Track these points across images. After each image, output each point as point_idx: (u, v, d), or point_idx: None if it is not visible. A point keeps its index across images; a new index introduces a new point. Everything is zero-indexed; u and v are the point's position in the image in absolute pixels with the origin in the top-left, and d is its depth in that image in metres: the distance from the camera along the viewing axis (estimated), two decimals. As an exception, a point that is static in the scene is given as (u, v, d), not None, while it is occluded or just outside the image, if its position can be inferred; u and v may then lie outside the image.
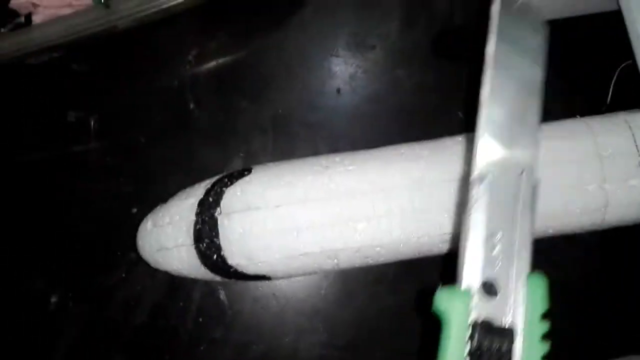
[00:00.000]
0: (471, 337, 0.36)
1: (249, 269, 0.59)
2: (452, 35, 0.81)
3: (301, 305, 0.72)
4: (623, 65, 0.74)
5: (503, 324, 0.37)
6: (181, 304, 0.72)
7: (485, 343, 0.35)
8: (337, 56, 0.79)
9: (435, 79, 0.79)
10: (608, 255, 0.74)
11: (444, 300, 0.38)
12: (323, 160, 0.62)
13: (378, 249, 0.59)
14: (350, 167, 0.61)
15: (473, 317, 0.37)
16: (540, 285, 0.40)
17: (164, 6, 0.72)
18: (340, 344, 0.71)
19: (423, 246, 0.60)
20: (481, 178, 0.44)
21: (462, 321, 0.37)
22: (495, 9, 0.50)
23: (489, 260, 0.40)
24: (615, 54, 0.72)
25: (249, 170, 0.61)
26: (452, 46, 0.81)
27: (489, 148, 0.45)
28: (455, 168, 0.60)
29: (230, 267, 0.59)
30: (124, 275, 0.72)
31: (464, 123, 0.76)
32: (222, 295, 0.72)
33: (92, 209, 0.72)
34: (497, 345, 0.35)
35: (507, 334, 0.36)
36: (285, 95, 0.78)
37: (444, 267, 0.68)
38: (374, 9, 0.81)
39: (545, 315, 0.39)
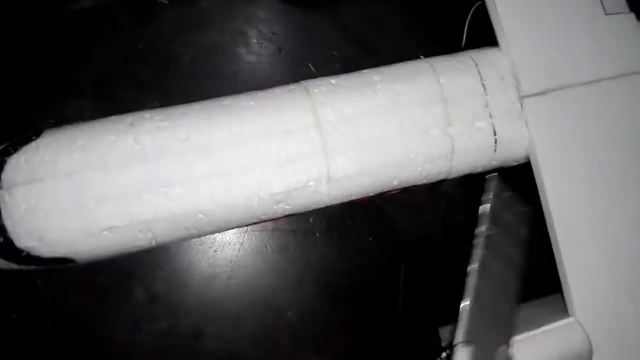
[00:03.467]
0: None
1: (43, 251, 0.50)
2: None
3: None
4: (476, 5, 0.69)
5: None
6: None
7: None
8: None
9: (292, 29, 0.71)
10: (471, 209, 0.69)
11: None
12: (129, 117, 0.53)
13: (200, 216, 0.51)
14: (163, 124, 0.52)
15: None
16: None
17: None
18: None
19: (255, 210, 0.53)
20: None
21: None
22: None
23: None
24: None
25: (38, 134, 0.51)
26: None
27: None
28: (286, 117, 0.53)
29: (21, 251, 0.49)
30: None
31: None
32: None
33: None
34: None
35: None
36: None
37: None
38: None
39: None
